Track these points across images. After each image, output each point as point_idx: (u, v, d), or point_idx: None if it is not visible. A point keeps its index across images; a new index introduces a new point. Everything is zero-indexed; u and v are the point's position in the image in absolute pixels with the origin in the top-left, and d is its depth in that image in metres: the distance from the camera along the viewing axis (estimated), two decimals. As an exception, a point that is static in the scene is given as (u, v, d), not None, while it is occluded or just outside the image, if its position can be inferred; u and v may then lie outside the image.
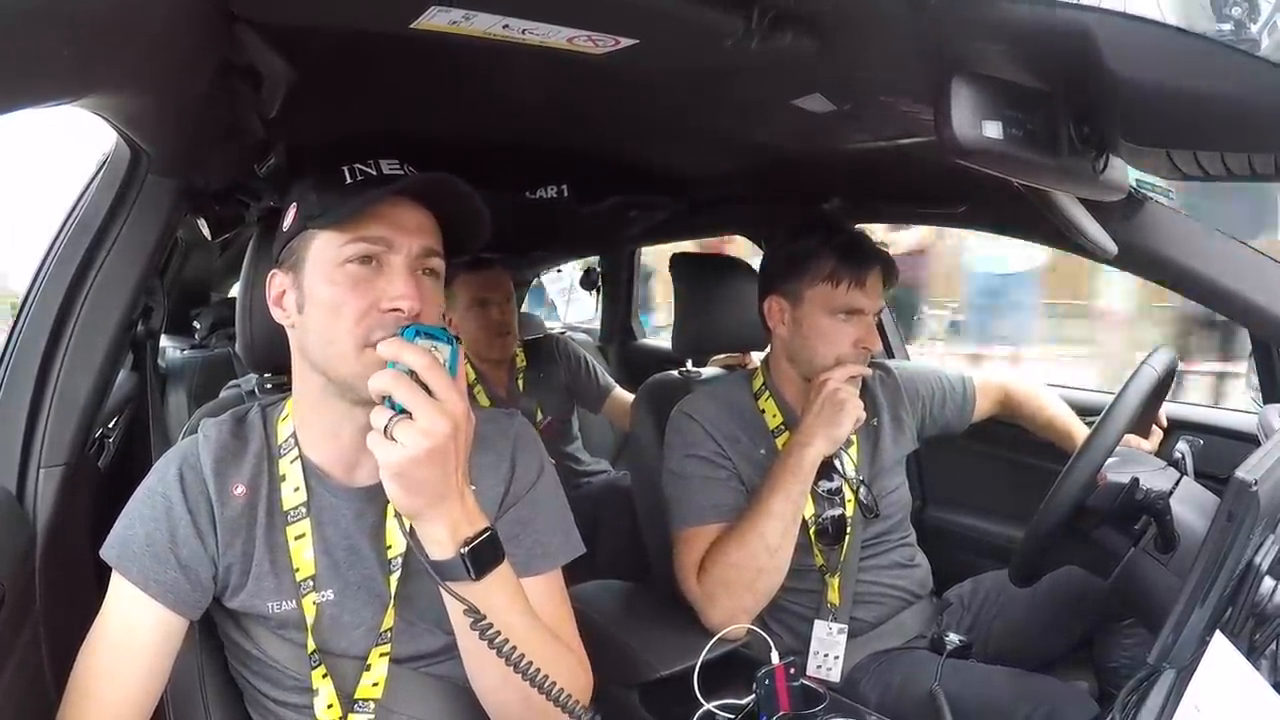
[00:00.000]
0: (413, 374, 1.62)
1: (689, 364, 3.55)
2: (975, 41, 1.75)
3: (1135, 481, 2.26)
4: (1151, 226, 2.62)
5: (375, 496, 1.96)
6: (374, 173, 1.89)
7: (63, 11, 1.11)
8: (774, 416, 2.99)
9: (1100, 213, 2.56)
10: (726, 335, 3.50)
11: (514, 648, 1.66)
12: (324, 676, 1.93)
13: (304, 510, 1.94)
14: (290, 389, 2.03)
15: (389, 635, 1.97)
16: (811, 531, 2.85)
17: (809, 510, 2.82)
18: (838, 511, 2.90)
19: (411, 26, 1.70)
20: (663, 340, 6.32)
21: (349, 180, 1.87)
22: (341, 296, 1.79)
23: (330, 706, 1.93)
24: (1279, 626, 1.67)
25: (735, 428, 2.94)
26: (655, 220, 4.40)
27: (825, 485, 2.90)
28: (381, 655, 1.97)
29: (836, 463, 2.91)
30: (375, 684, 1.96)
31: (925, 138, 2.48)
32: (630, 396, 4.34)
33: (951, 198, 3.20)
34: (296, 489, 1.95)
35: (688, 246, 5.38)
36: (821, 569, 2.88)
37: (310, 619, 1.93)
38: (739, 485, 2.87)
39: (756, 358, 3.67)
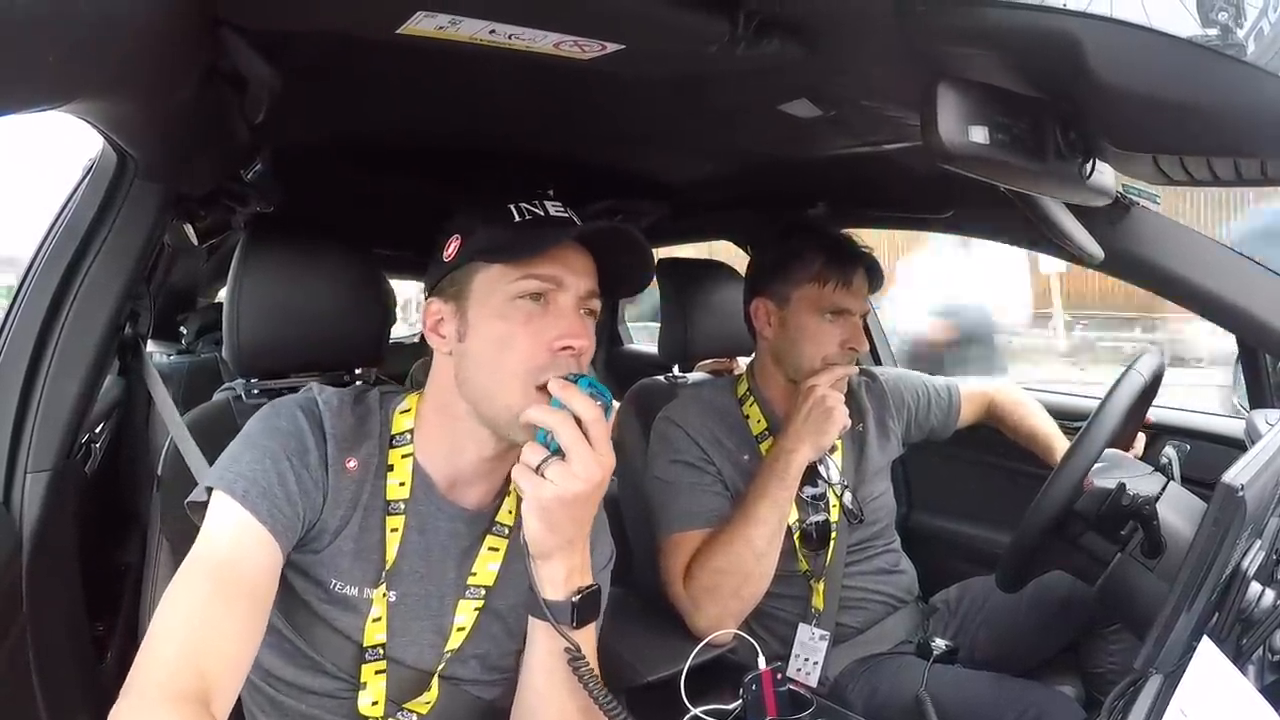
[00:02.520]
0: (576, 419, 1.70)
1: (675, 369, 3.55)
2: (962, 47, 1.75)
3: (1122, 486, 2.27)
4: (1138, 231, 2.62)
5: (474, 520, 2.00)
6: (541, 212, 1.93)
7: (47, 17, 1.11)
8: (758, 422, 3.00)
9: (1087, 218, 2.57)
10: (713, 340, 3.51)
11: (603, 686, 1.79)
12: (378, 673, 1.93)
13: (403, 506, 1.95)
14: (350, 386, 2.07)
15: (449, 655, 1.99)
16: (796, 537, 2.86)
17: (793, 516, 2.83)
18: (822, 517, 2.90)
19: (398, 32, 1.70)
20: (649, 345, 6.32)
21: (517, 218, 1.91)
22: (512, 331, 1.84)
23: (375, 704, 1.92)
24: (1265, 632, 1.67)
25: (720, 433, 2.95)
26: (640, 225, 4.40)
27: (810, 491, 2.91)
28: (440, 676, 1.99)
29: (821, 468, 2.92)
30: (428, 702, 1.97)
31: (912, 143, 2.48)
32: (616, 404, 4.35)
33: (938, 203, 3.20)
34: (402, 484, 1.96)
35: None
36: (806, 574, 2.89)
37: (378, 612, 1.92)
38: (724, 491, 2.88)
39: (743, 363, 3.67)
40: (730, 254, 4.65)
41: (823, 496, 2.94)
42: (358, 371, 2.54)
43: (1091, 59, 1.60)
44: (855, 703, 2.78)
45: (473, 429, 1.91)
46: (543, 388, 1.79)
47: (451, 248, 1.95)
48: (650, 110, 2.52)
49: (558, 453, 1.69)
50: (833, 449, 2.96)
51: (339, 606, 1.90)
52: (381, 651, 1.92)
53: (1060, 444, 3.25)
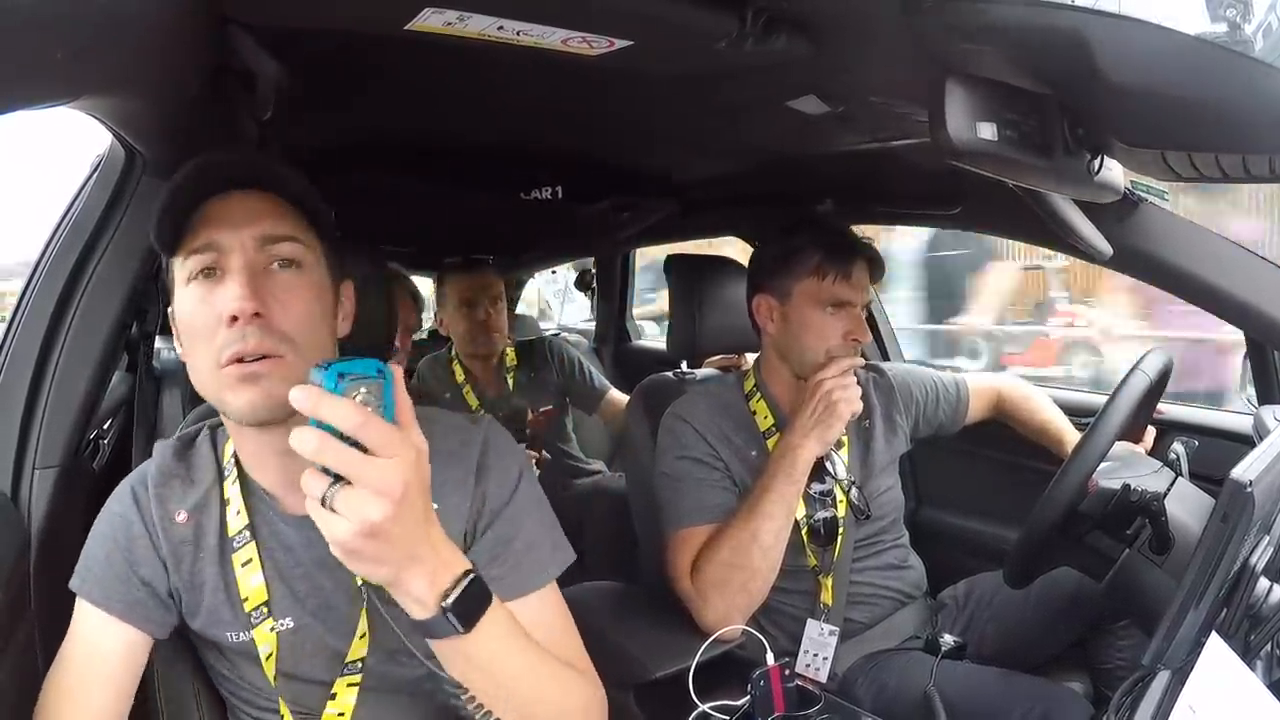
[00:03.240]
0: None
1: (683, 365, 3.55)
2: (969, 43, 1.74)
3: (1126, 487, 2.27)
4: (1146, 228, 2.62)
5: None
6: (182, 180, 1.69)
7: (54, 13, 1.11)
8: (765, 417, 3.00)
9: (1095, 214, 2.56)
10: (721, 337, 3.50)
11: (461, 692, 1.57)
12: (285, 704, 1.89)
13: (248, 534, 1.84)
14: None
15: (359, 666, 1.87)
16: (804, 532, 2.86)
17: (801, 511, 2.83)
18: (829, 513, 2.90)
19: (406, 28, 1.70)
20: (657, 342, 6.32)
21: (164, 201, 1.69)
22: (190, 319, 1.69)
23: None
24: (1274, 627, 1.67)
25: (727, 429, 2.95)
26: (649, 222, 4.40)
27: (817, 487, 2.90)
28: (350, 685, 1.88)
29: (828, 464, 2.92)
30: (341, 714, 1.88)
31: (920, 139, 2.48)
32: (625, 398, 4.35)
33: (946, 199, 3.20)
34: (239, 512, 1.86)
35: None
36: (815, 569, 2.89)
37: (268, 649, 1.84)
38: (731, 486, 2.88)
39: (751, 359, 3.67)
40: (738, 251, 4.65)
41: (830, 492, 2.94)
42: None
43: (1099, 55, 1.60)
44: (863, 699, 2.77)
45: (247, 433, 1.78)
46: (228, 363, 1.62)
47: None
48: (658, 107, 2.52)
49: (338, 478, 1.34)
50: (839, 445, 2.96)
51: (249, 656, 1.87)
52: (282, 683, 1.88)
53: (1071, 437, 3.24)
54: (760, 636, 2.16)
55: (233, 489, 1.88)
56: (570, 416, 5.18)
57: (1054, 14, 1.60)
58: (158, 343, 2.65)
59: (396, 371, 1.41)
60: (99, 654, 1.78)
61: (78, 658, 1.78)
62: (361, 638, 1.85)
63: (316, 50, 1.90)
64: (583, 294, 6.91)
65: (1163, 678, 1.55)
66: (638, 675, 2.47)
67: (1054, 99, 1.88)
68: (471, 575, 1.50)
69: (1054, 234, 2.59)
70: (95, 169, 2.22)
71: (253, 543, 1.84)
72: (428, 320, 6.46)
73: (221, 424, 1.93)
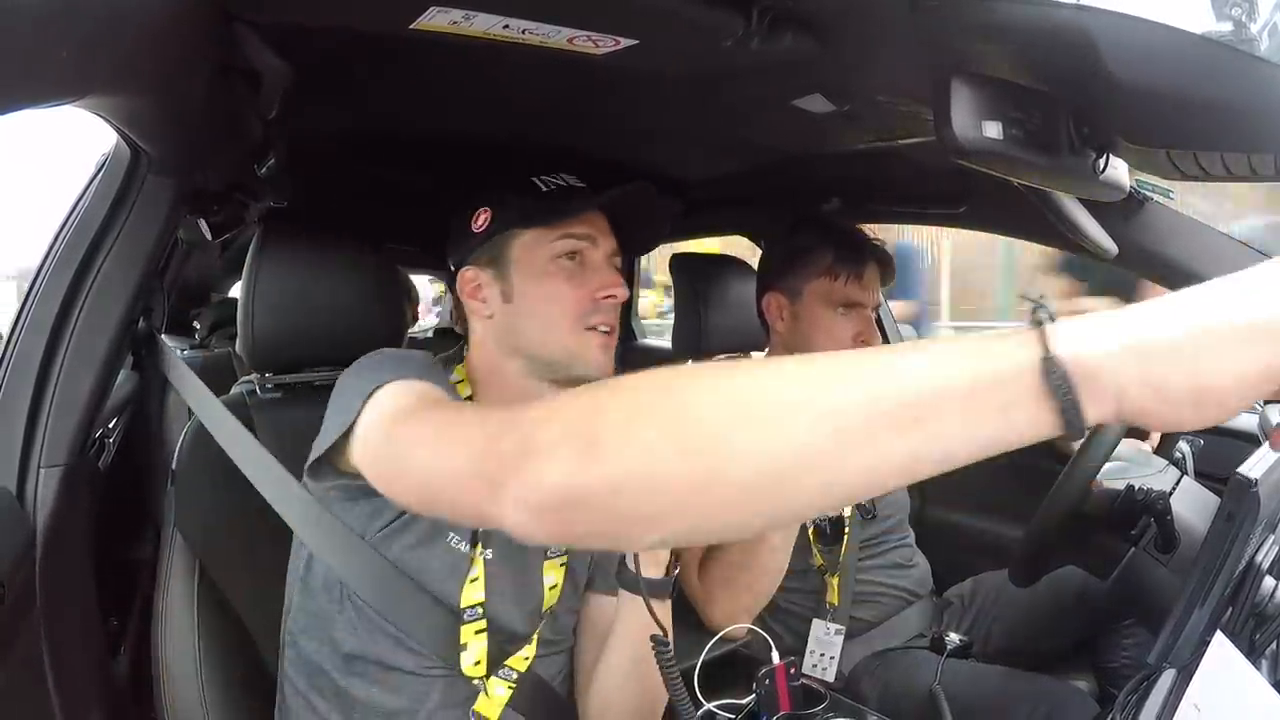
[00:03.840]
0: None
1: (689, 364, 3.51)
2: (975, 42, 1.75)
3: (1130, 488, 2.27)
4: (1152, 226, 2.62)
5: None
6: (563, 184, 2.12)
7: (59, 12, 1.11)
8: (772, 417, 2.97)
9: (1100, 212, 2.56)
10: (727, 335, 3.49)
11: (677, 669, 1.82)
12: (478, 634, 1.96)
13: None
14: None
15: (545, 614, 2.10)
16: (811, 532, 2.86)
17: (807, 510, 2.79)
18: (835, 514, 2.89)
19: (411, 27, 1.70)
20: (663, 341, 6.32)
21: (544, 189, 2.09)
22: (557, 286, 2.03)
23: (478, 663, 1.95)
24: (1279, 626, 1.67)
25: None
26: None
27: (824, 487, 2.88)
28: (538, 637, 2.08)
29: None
30: (527, 658, 2.04)
31: (925, 138, 2.48)
32: None
33: (951, 198, 3.20)
34: None
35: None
36: (821, 569, 2.89)
37: (477, 571, 1.98)
38: (738, 487, 2.84)
39: (757, 357, 3.67)
40: (743, 248, 4.64)
41: (835, 493, 2.91)
42: (255, 377, 2.50)
43: (1104, 53, 1.60)
44: (869, 697, 2.78)
45: (528, 385, 2.05)
46: (592, 328, 2.02)
47: (481, 219, 2.10)
48: (664, 106, 2.52)
49: None
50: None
51: (442, 564, 1.94)
52: (480, 611, 1.95)
53: None
54: (766, 635, 2.16)
55: None
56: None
57: (1059, 12, 1.60)
58: (163, 341, 2.66)
59: None
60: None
61: (429, 399, 1.69)
62: (553, 589, 2.11)
63: (322, 48, 1.90)
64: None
65: (1168, 676, 1.55)
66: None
67: (1059, 97, 1.88)
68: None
69: (1059, 232, 2.59)
70: (100, 167, 2.21)
71: None
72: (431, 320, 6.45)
73: (448, 360, 2.17)
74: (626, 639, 2.02)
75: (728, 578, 2.65)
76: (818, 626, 2.88)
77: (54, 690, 1.91)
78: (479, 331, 2.12)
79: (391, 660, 1.95)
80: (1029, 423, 0.91)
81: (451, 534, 1.95)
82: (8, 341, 2.13)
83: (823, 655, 2.86)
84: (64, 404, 2.08)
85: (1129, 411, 0.91)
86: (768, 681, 1.92)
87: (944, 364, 0.94)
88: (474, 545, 1.97)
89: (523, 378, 2.05)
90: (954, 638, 2.78)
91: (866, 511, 2.93)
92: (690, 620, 2.69)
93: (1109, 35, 1.57)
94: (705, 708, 1.95)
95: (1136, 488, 2.28)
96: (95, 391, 2.13)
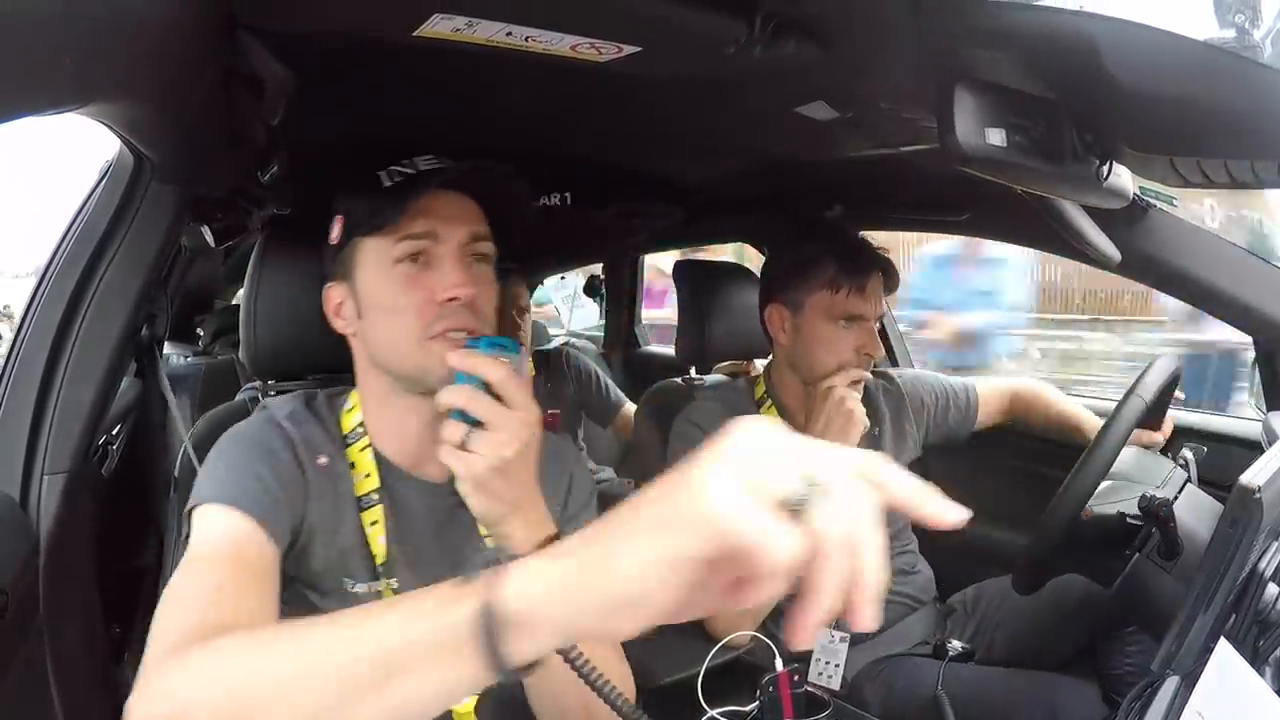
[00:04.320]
0: (485, 385, 1.66)
1: (692, 371, 3.55)
2: (979, 49, 1.75)
3: (1121, 516, 2.27)
4: (1155, 233, 2.62)
5: (444, 492, 1.96)
6: (411, 171, 1.94)
7: (63, 19, 1.11)
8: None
9: (1104, 220, 2.56)
10: (731, 343, 3.49)
11: (585, 659, 1.62)
12: None
13: (376, 498, 1.94)
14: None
15: None
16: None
17: (813, 518, 2.79)
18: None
19: (414, 34, 1.70)
20: (665, 347, 6.32)
21: (387, 183, 1.92)
22: (397, 296, 1.86)
23: None
24: (1283, 633, 1.67)
25: (739, 436, 2.91)
26: (658, 228, 4.40)
27: (830, 494, 2.88)
28: None
29: (840, 471, 2.89)
30: None
31: (929, 145, 2.48)
32: (526, 353, 4.34)
33: (955, 205, 3.20)
34: (368, 475, 1.95)
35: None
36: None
37: None
38: (743, 493, 2.84)
39: (760, 365, 3.67)
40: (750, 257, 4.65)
41: (841, 499, 2.91)
42: (258, 385, 2.49)
43: (1108, 60, 1.60)
44: (872, 704, 2.77)
45: (405, 401, 1.93)
46: (439, 336, 1.83)
47: (336, 230, 1.99)
48: (667, 113, 2.52)
49: (477, 423, 1.65)
50: (848, 452, 2.94)
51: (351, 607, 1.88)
52: None
53: (1088, 419, 3.30)
54: (769, 642, 2.16)
55: (363, 454, 1.97)
56: (582, 426, 5.14)
57: (1063, 19, 1.60)
58: (166, 348, 2.66)
59: (525, 349, 1.61)
60: (255, 556, 1.72)
61: (232, 558, 1.68)
62: None
63: (326, 55, 1.90)
64: (591, 300, 6.91)
65: (1171, 683, 1.55)
66: (646, 681, 2.46)
67: (1063, 104, 1.88)
68: (559, 536, 1.77)
69: (1063, 240, 2.59)
70: (104, 175, 2.22)
71: (380, 505, 1.94)
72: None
73: (335, 394, 2.08)
74: None
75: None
76: (822, 635, 2.86)
77: (57, 697, 1.92)
78: (354, 349, 2.02)
79: None
80: (475, 668, 1.01)
81: (345, 579, 1.93)
82: (11, 348, 2.14)
83: (828, 664, 2.86)
84: (67, 411, 2.09)
85: (575, 634, 1.03)
86: (771, 689, 1.91)
87: (412, 619, 1.07)
88: (377, 580, 1.93)
89: (395, 394, 1.95)
90: (956, 645, 2.79)
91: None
92: (693, 628, 2.68)
93: (1112, 42, 1.57)
94: (708, 715, 1.95)
95: (1128, 516, 2.28)
96: (98, 398, 2.14)
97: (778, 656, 1.97)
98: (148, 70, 1.51)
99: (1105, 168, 2.04)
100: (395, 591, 1.93)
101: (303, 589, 1.90)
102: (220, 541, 1.70)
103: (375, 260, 1.89)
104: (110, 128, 1.81)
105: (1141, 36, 1.55)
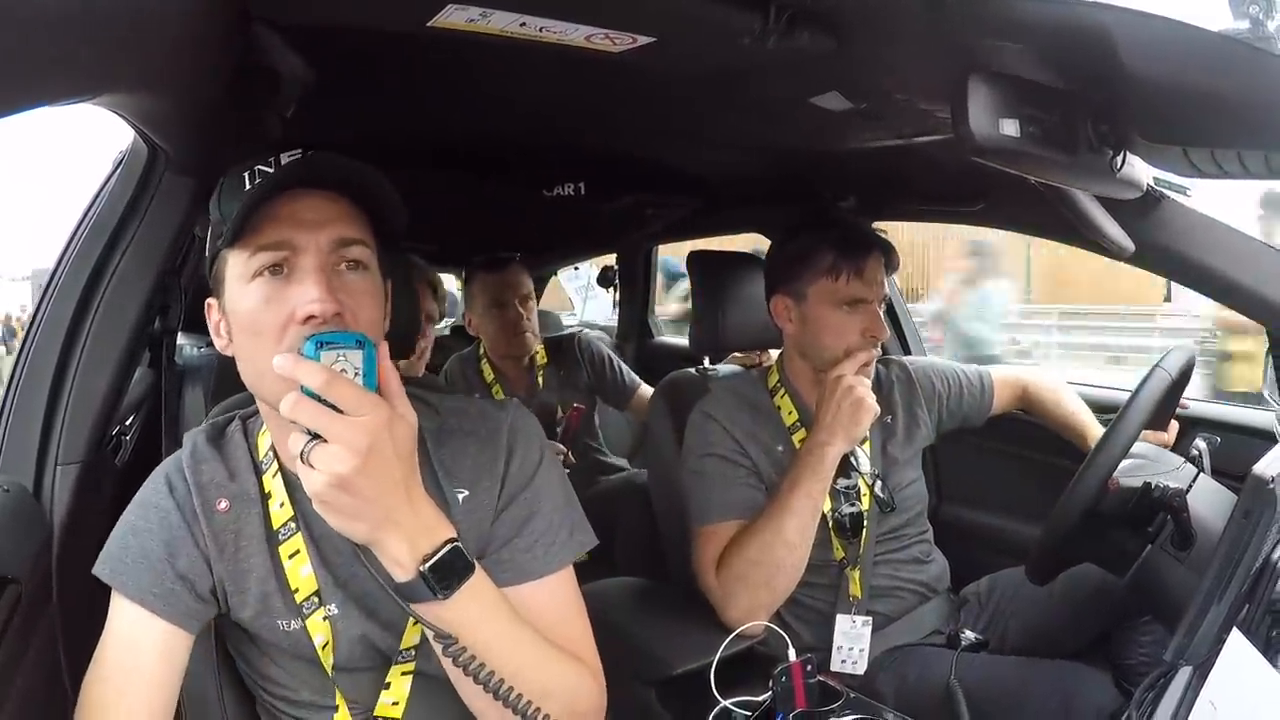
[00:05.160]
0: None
1: (706, 361, 3.56)
2: (993, 40, 1.75)
3: (1147, 485, 2.26)
4: (1169, 224, 2.61)
5: None
6: (271, 170, 1.70)
7: (80, 11, 1.11)
8: (790, 414, 3.01)
9: (1117, 210, 2.56)
10: (744, 333, 3.49)
11: (490, 672, 1.58)
12: (341, 696, 1.89)
13: (294, 526, 1.85)
14: None
15: (413, 654, 1.88)
16: (830, 527, 2.87)
17: (827, 505, 2.83)
18: (854, 508, 2.90)
19: (429, 25, 1.70)
20: (679, 338, 6.32)
21: (248, 185, 1.69)
22: (255, 315, 1.67)
23: (396, 704, 1.88)
24: (1296, 624, 1.67)
25: (753, 425, 2.97)
26: (672, 218, 4.40)
27: (842, 481, 2.91)
28: (404, 674, 1.90)
29: (852, 459, 2.92)
30: (396, 703, 1.89)
31: (943, 136, 2.48)
32: (376, 338, 4.32)
33: (969, 195, 3.20)
34: (282, 504, 1.86)
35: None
36: (842, 562, 2.90)
37: (323, 638, 1.84)
38: (757, 483, 2.89)
39: (774, 355, 3.67)
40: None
41: (855, 486, 2.95)
42: None
43: (1123, 52, 1.60)
44: (885, 693, 2.78)
45: (288, 425, 1.59)
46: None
47: (209, 239, 1.79)
48: (682, 103, 2.52)
49: (316, 435, 1.47)
50: (862, 439, 2.95)
51: (303, 646, 1.87)
52: (338, 674, 1.88)
53: (1095, 432, 3.23)
54: (782, 632, 2.16)
55: (274, 481, 1.87)
56: (596, 413, 5.14)
57: (1078, 10, 1.59)
58: (180, 339, 2.66)
59: (381, 345, 1.51)
60: (137, 650, 1.73)
61: (116, 657, 1.73)
62: (414, 624, 1.82)
63: (340, 47, 1.90)
64: (605, 290, 6.90)
65: (1184, 673, 1.55)
66: (660, 671, 2.48)
67: (1077, 95, 1.88)
68: (454, 544, 1.59)
69: (1077, 230, 2.59)
70: (118, 165, 2.22)
71: (299, 534, 1.85)
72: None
73: (253, 415, 1.97)
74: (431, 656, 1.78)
75: (745, 575, 2.67)
76: (842, 621, 2.88)
77: (69, 685, 1.92)
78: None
79: (287, 710, 1.96)
80: None
81: (278, 621, 1.86)
82: (24, 339, 2.14)
83: (852, 649, 2.87)
84: (81, 401, 2.09)
85: None
86: (784, 678, 1.92)
87: None
88: (308, 615, 1.84)
89: (276, 418, 1.71)
90: (970, 635, 2.79)
91: (885, 504, 2.95)
92: (708, 618, 2.69)
93: (1127, 32, 1.57)
94: (722, 705, 1.95)
95: (1154, 485, 2.27)
96: (112, 389, 2.14)
97: (791, 646, 1.98)
98: (163, 62, 1.52)
99: (1119, 158, 2.04)
100: (332, 618, 1.86)
101: (248, 636, 1.91)
102: (116, 640, 1.75)
103: (236, 274, 1.70)
104: (125, 118, 1.81)
105: (1156, 27, 1.55)
